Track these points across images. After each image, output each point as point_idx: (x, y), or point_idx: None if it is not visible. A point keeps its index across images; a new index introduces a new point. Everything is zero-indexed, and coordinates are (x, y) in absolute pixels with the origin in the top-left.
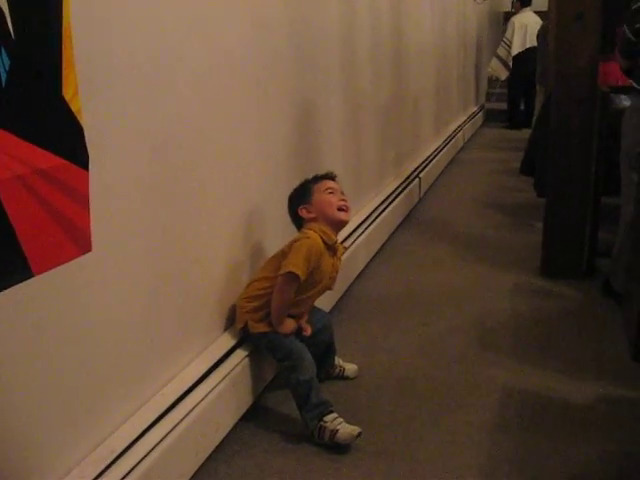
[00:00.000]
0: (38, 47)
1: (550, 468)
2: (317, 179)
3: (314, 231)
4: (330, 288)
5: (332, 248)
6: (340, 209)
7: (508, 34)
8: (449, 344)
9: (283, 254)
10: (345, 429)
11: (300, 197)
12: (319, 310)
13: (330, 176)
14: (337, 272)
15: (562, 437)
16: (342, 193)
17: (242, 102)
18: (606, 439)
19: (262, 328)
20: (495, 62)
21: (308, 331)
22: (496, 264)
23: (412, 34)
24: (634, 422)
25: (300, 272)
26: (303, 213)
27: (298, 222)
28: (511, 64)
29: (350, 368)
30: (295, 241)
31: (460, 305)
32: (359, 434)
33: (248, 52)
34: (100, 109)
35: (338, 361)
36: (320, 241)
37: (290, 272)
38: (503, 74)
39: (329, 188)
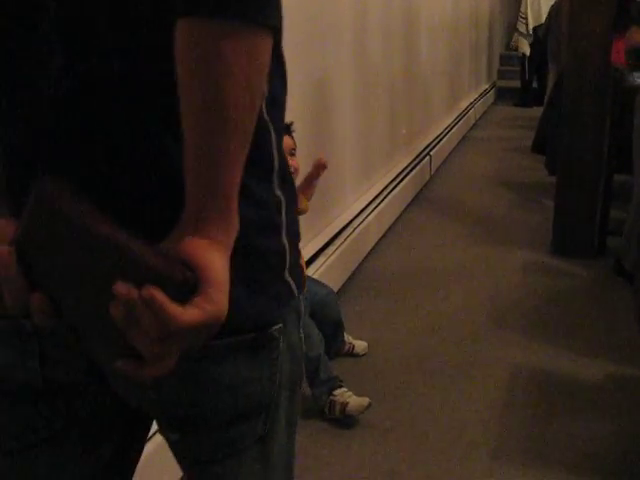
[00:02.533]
0: None
1: (558, 446)
2: None
3: None
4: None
5: None
6: None
7: (522, 8)
8: (459, 322)
9: None
10: (355, 401)
11: None
12: (323, 286)
13: (289, 131)
14: None
15: (571, 415)
16: (292, 153)
17: None
18: (615, 417)
19: None
20: (520, 38)
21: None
22: (507, 242)
23: (424, 9)
24: None
25: None
26: None
27: None
28: (532, 38)
29: (360, 345)
30: None
31: (470, 283)
32: (369, 404)
33: None
34: None
35: (348, 338)
36: None
37: None
38: (527, 49)
39: (288, 147)
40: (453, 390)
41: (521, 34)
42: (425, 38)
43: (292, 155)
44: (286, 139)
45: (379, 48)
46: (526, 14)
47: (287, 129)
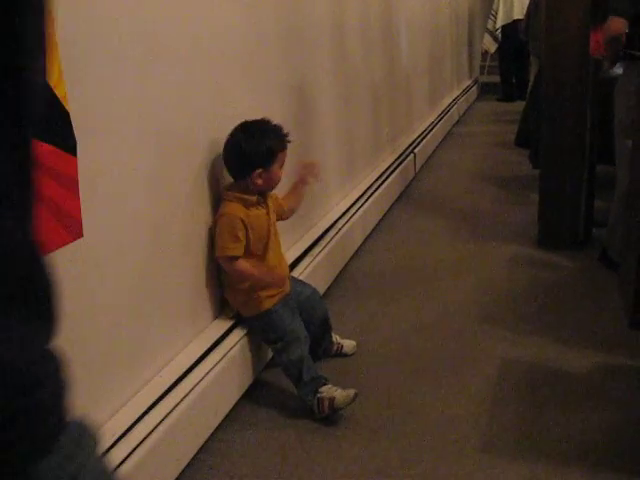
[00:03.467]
0: None
1: (550, 438)
2: (283, 145)
3: (231, 202)
4: (288, 217)
5: (259, 201)
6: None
7: (494, 6)
8: (447, 318)
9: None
10: (341, 394)
11: (263, 158)
12: (307, 285)
13: (285, 145)
14: (279, 208)
15: (561, 407)
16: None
17: (229, 82)
18: (605, 408)
19: (250, 312)
20: (486, 36)
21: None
22: (493, 237)
23: (403, 8)
24: (632, 390)
25: (232, 252)
26: (256, 180)
27: (239, 172)
28: (500, 36)
29: (348, 344)
30: (215, 221)
31: (457, 279)
32: (355, 395)
33: (236, 31)
34: (86, 94)
35: (335, 338)
36: (239, 209)
37: (222, 257)
38: (492, 47)
39: (283, 162)
40: (442, 386)
41: (487, 31)
42: (405, 36)
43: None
44: (284, 153)
45: (359, 48)
46: (497, 11)
47: (284, 141)
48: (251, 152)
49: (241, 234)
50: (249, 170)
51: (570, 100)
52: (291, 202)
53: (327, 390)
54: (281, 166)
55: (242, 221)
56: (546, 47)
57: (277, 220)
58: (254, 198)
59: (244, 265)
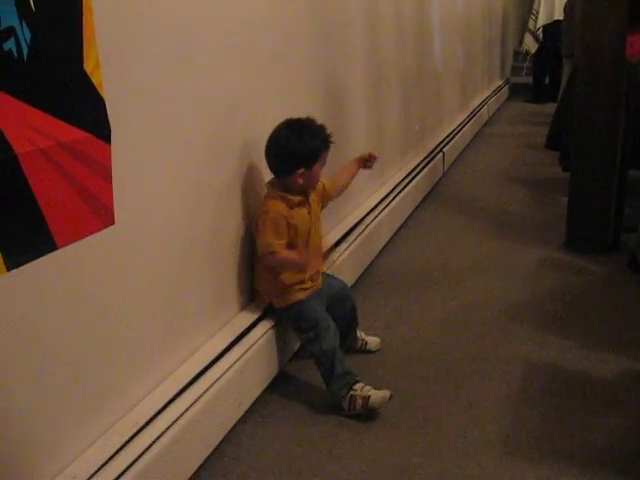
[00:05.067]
0: (59, 20)
1: (573, 442)
2: (326, 145)
3: (275, 200)
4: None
5: (301, 202)
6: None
7: (535, 5)
8: (472, 318)
9: (255, 228)
10: (377, 394)
11: (306, 158)
12: (337, 280)
13: (328, 145)
14: (318, 211)
15: (585, 411)
16: None
17: (261, 78)
18: (630, 414)
19: (284, 302)
20: (527, 35)
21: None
22: (521, 239)
23: (436, 5)
24: None
25: (275, 248)
26: (298, 179)
27: (280, 169)
28: (541, 36)
29: (372, 341)
30: (259, 217)
31: (484, 279)
32: (391, 396)
33: (267, 23)
34: (121, 82)
35: (360, 334)
36: (282, 208)
37: (265, 254)
38: (533, 47)
39: (324, 162)
40: (466, 386)
41: (528, 30)
42: (437, 35)
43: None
44: (326, 153)
45: (390, 46)
46: (538, 10)
47: (328, 141)
48: (296, 151)
49: (284, 232)
50: (292, 169)
51: (604, 103)
52: (343, 178)
53: (361, 388)
54: (322, 165)
55: (285, 219)
56: (581, 49)
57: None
58: (297, 199)
59: (285, 253)
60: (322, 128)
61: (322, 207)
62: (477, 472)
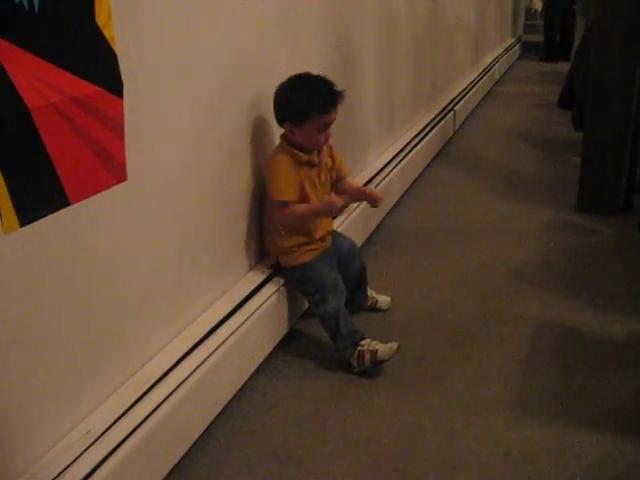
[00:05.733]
0: None
1: (581, 403)
2: (324, 109)
3: (283, 153)
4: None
5: (310, 162)
6: (323, 143)
7: None
8: (481, 278)
9: (265, 176)
10: (384, 346)
11: (296, 114)
12: (345, 238)
13: (338, 102)
14: (329, 173)
15: (594, 372)
16: (332, 123)
17: (274, 31)
18: (637, 376)
19: (291, 262)
20: None
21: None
22: (531, 199)
23: None
24: None
25: (289, 196)
26: (286, 129)
27: (276, 119)
28: None
29: (383, 300)
30: (270, 167)
31: (493, 239)
32: (399, 347)
33: None
34: (135, 37)
35: (371, 293)
36: (290, 161)
37: (278, 202)
38: (539, 5)
39: (326, 125)
40: (476, 345)
41: None
42: None
43: (328, 126)
44: (334, 113)
45: (402, 1)
46: None
47: (341, 97)
48: (281, 104)
49: (292, 179)
50: (280, 120)
51: (619, 62)
52: (343, 192)
53: (368, 343)
54: (322, 130)
55: (296, 171)
56: (598, 6)
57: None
58: (304, 157)
59: (299, 207)
60: (325, 90)
61: (331, 181)
62: (487, 431)
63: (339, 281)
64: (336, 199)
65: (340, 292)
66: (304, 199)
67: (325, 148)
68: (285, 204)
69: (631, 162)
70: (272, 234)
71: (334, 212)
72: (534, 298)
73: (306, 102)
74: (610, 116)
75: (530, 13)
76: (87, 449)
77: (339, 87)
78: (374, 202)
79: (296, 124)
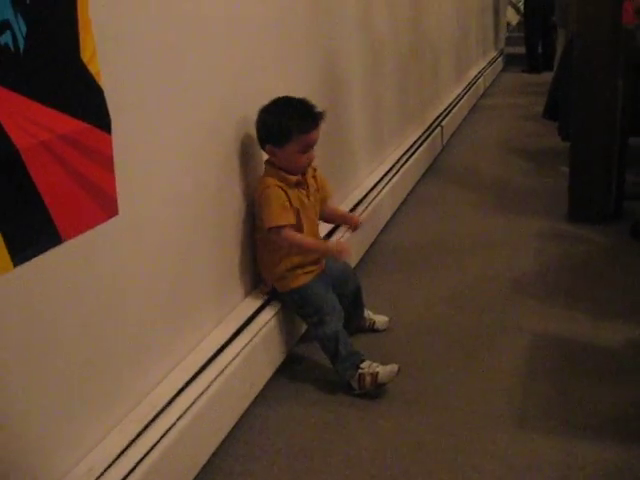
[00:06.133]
0: (53, 11)
1: (582, 413)
2: (304, 128)
3: (272, 177)
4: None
5: (299, 183)
6: (306, 166)
7: None
8: (477, 291)
9: (256, 204)
10: (385, 369)
11: (276, 135)
12: (339, 261)
13: (318, 122)
14: (317, 195)
15: (593, 380)
16: (314, 145)
17: (257, 48)
18: (637, 382)
19: (287, 286)
20: (508, 8)
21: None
22: (522, 211)
23: None
24: None
25: (284, 220)
26: (268, 152)
27: (258, 141)
28: (522, 8)
29: (380, 320)
30: (260, 193)
31: (487, 253)
32: (399, 370)
33: (264, 3)
34: (118, 70)
35: (368, 313)
36: (280, 185)
37: (274, 227)
38: (514, 19)
39: (308, 146)
40: (475, 360)
41: (510, 3)
42: (431, 7)
43: (310, 147)
44: (318, 130)
45: (385, 19)
46: None
47: (321, 118)
48: (262, 126)
49: (288, 204)
50: (262, 143)
51: (602, 70)
52: (328, 218)
53: (368, 366)
54: (303, 151)
55: (286, 193)
56: (578, 16)
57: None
58: (293, 179)
59: (298, 235)
60: (304, 110)
61: (321, 204)
62: (489, 446)
63: (336, 303)
64: (333, 247)
65: (338, 313)
66: (297, 222)
67: (309, 170)
68: (281, 228)
69: (619, 169)
70: (265, 261)
71: (328, 256)
72: (530, 309)
73: (286, 123)
74: (596, 124)
75: (511, 26)
76: None
77: (320, 108)
78: (355, 227)
79: (277, 146)
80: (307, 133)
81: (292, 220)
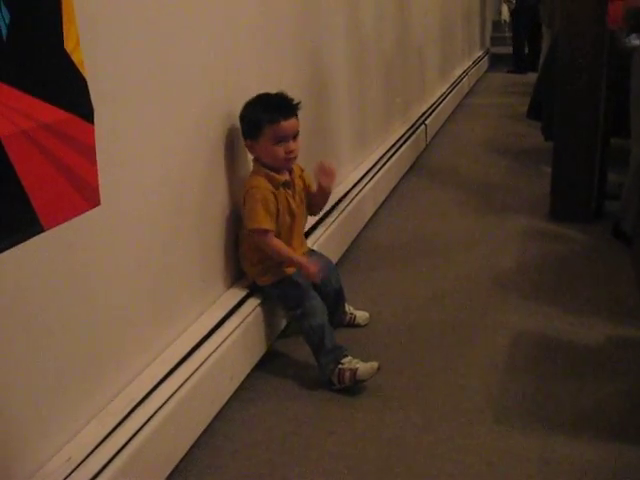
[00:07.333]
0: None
1: (561, 409)
2: (273, 118)
3: (259, 176)
4: (313, 213)
5: (286, 183)
6: (287, 158)
7: None
8: (458, 289)
9: (243, 202)
10: (364, 366)
11: (251, 129)
12: (321, 256)
13: (289, 113)
14: (303, 194)
15: (572, 378)
16: (296, 135)
17: (243, 48)
18: (616, 379)
19: (268, 280)
20: (503, 6)
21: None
22: (505, 209)
23: None
24: None
25: (266, 225)
26: (247, 147)
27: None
28: (514, 5)
29: (361, 315)
30: (246, 192)
31: (469, 251)
32: (379, 367)
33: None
34: (102, 60)
35: (349, 308)
36: (268, 186)
37: (256, 230)
38: (508, 15)
39: (280, 136)
40: (455, 356)
41: (505, 0)
42: (417, 6)
43: (294, 138)
44: (293, 121)
45: (371, 17)
46: None
47: (293, 109)
48: (241, 121)
49: (273, 207)
50: (244, 139)
51: (585, 71)
52: (316, 199)
53: (349, 361)
54: (276, 141)
55: (274, 195)
56: (562, 17)
57: (307, 206)
58: (281, 179)
59: (278, 242)
60: (275, 102)
61: (306, 202)
62: (469, 442)
63: (318, 298)
64: (314, 268)
65: (321, 308)
66: (281, 223)
67: (296, 169)
68: (263, 232)
69: (601, 169)
70: (247, 256)
71: (300, 269)
72: (511, 306)
73: (255, 115)
74: (579, 124)
75: (501, 25)
76: (67, 477)
77: (296, 100)
78: (331, 174)
79: (253, 139)
80: (276, 123)
81: (272, 226)
